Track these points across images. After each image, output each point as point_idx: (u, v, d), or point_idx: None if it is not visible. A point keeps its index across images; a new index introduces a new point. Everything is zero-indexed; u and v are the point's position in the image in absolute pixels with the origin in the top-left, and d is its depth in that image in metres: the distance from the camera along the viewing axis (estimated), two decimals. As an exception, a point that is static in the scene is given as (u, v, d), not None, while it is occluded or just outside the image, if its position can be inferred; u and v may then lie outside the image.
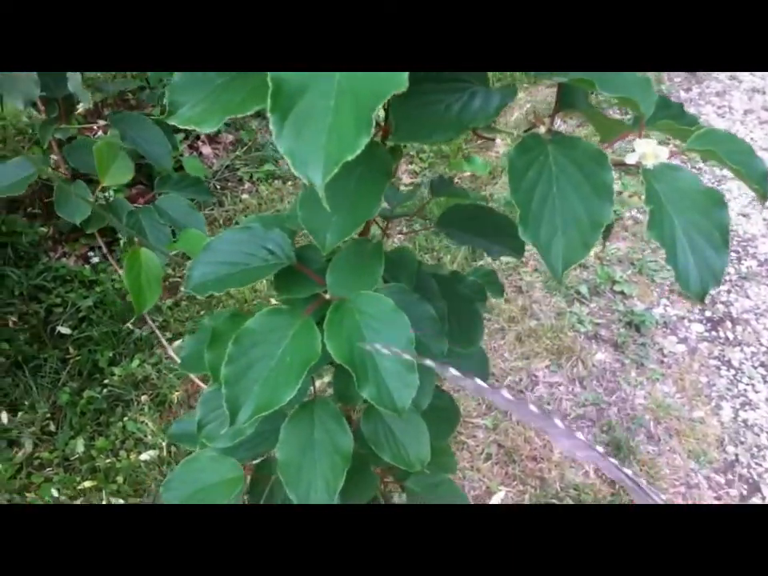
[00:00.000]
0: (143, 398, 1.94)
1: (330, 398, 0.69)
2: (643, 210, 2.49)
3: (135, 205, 0.99)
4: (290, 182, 2.67)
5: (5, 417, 1.87)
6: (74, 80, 0.95)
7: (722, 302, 2.25)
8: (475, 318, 0.74)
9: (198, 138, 2.82)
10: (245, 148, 2.80)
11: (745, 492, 1.75)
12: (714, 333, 2.16)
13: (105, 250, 1.17)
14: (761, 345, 2.12)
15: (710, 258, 0.50)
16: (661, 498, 0.31)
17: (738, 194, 2.66)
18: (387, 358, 0.56)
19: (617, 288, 2.27)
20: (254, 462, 0.81)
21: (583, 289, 2.25)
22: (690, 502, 1.73)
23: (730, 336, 2.15)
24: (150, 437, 1.84)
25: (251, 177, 2.71)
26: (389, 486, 0.93)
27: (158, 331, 1.36)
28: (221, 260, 0.64)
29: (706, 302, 2.25)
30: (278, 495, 0.74)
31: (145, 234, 0.94)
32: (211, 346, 0.64)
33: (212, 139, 2.86)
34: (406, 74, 0.35)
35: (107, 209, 0.99)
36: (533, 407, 0.32)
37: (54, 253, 2.32)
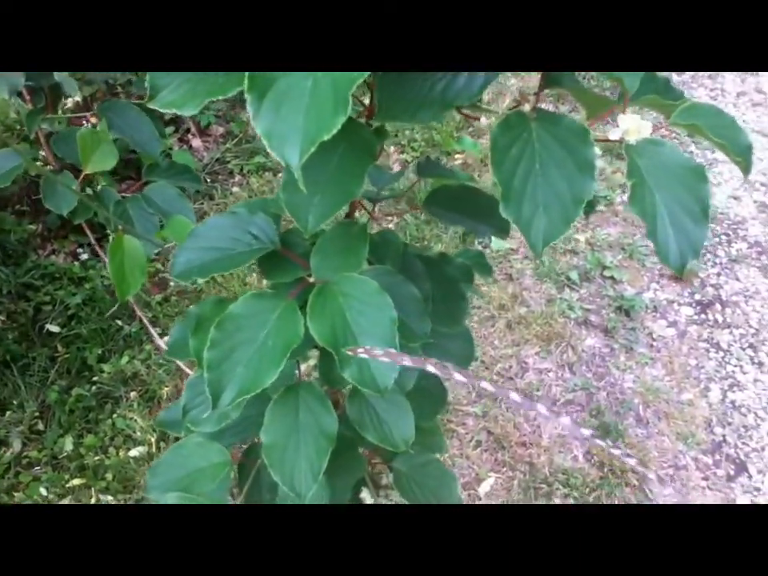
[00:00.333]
0: (132, 394, 1.93)
1: (315, 381, 0.69)
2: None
3: (123, 194, 0.99)
4: (280, 174, 2.65)
5: (-7, 416, 1.87)
6: (61, 70, 0.94)
7: (712, 285, 2.26)
8: (460, 299, 0.74)
9: (188, 131, 2.80)
10: (235, 140, 2.79)
11: (732, 472, 1.77)
12: (703, 316, 2.17)
13: (95, 245, 1.16)
14: (750, 326, 2.13)
15: (690, 231, 0.50)
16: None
17: (728, 176, 2.67)
18: (369, 337, 0.56)
19: (607, 273, 2.28)
20: (243, 446, 0.81)
21: (573, 275, 2.26)
22: (678, 483, 1.74)
23: (719, 318, 2.16)
24: (139, 433, 1.84)
25: (242, 169, 2.70)
26: (377, 466, 0.93)
27: (148, 324, 1.35)
28: (206, 246, 0.63)
29: (696, 284, 2.26)
30: (264, 479, 0.74)
31: (132, 223, 0.93)
32: (196, 332, 0.64)
33: (202, 132, 2.85)
34: (381, 51, 0.34)
35: (95, 199, 0.98)
36: (514, 395, 0.32)
37: (42, 250, 2.30)
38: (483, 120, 0.70)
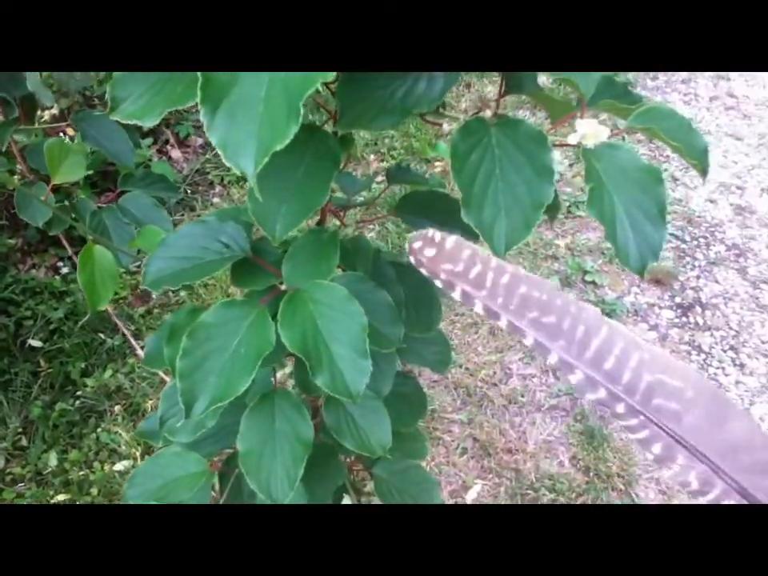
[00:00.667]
0: (116, 408, 1.92)
1: (291, 389, 0.70)
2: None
3: (98, 204, 0.99)
4: (260, 186, 2.66)
5: (-25, 433, 1.85)
6: (33, 79, 0.94)
7: (692, 288, 2.28)
8: (434, 305, 0.75)
9: (167, 142, 2.80)
10: (215, 151, 2.77)
11: (716, 473, 1.78)
12: (684, 319, 2.19)
13: (75, 258, 1.16)
14: (730, 328, 2.15)
15: (648, 233, 0.51)
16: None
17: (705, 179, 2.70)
18: (340, 343, 0.57)
19: (588, 278, 2.30)
20: (224, 455, 0.82)
21: (554, 280, 2.28)
22: (662, 487, 1.75)
23: (700, 321, 2.18)
24: (123, 447, 1.83)
25: (222, 180, 2.70)
26: (359, 473, 0.94)
27: (130, 337, 1.35)
28: (176, 255, 0.64)
29: (676, 287, 2.28)
30: (244, 486, 0.74)
31: (108, 233, 0.93)
32: (169, 341, 0.64)
33: (181, 143, 2.85)
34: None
35: (71, 210, 0.99)
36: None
37: (23, 265, 2.29)
38: (445, 126, 0.71)
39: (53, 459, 1.80)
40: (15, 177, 1.19)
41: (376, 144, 2.81)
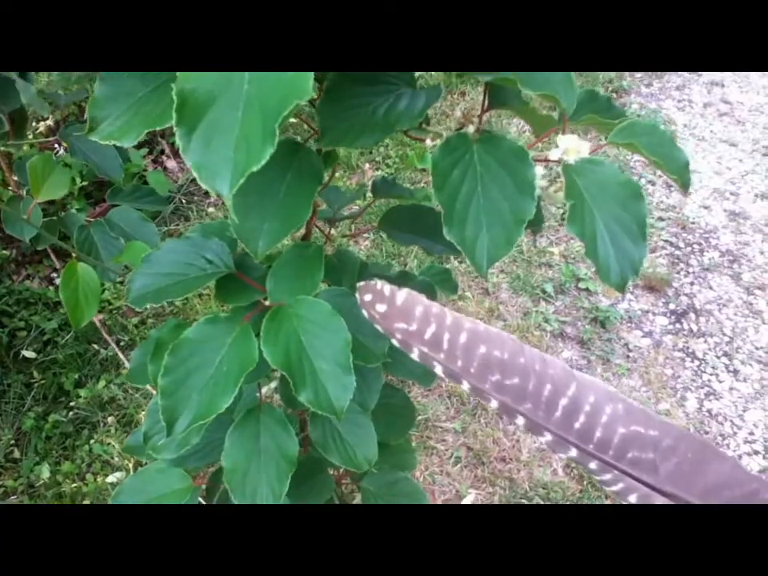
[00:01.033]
0: (110, 419, 1.92)
1: (275, 406, 0.69)
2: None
3: (88, 219, 0.99)
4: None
5: (-32, 445, 1.84)
6: (28, 91, 0.94)
7: (686, 294, 2.28)
8: (420, 318, 0.74)
9: (162, 152, 2.81)
10: (209, 162, 2.78)
11: (712, 481, 1.78)
12: (678, 325, 2.19)
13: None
14: (724, 335, 2.15)
15: (629, 249, 0.51)
16: None
17: (699, 186, 2.71)
18: (324, 359, 0.57)
19: (581, 285, 2.30)
20: (211, 470, 0.81)
21: (549, 288, 2.28)
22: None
23: (694, 327, 2.18)
24: (117, 458, 1.82)
25: (216, 190, 2.70)
26: (348, 486, 0.93)
27: (118, 350, 1.34)
28: (160, 271, 0.64)
29: (669, 294, 2.29)
30: (228, 501, 0.74)
31: (97, 247, 0.93)
32: (154, 357, 0.64)
33: (177, 153, 2.85)
34: (309, 84, 0.35)
35: (59, 223, 0.98)
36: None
37: (16, 276, 2.29)
38: (428, 142, 0.71)
39: (45, 471, 1.79)
40: (9, 189, 1.19)
41: (371, 153, 2.82)
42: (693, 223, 2.55)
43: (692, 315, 2.22)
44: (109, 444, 1.85)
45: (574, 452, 0.31)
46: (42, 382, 1.98)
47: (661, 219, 2.58)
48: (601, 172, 0.52)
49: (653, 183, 2.76)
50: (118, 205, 1.00)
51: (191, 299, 2.21)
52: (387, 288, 0.31)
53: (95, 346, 2.08)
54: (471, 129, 0.57)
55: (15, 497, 1.75)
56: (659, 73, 3.46)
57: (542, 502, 1.73)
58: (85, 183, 2.30)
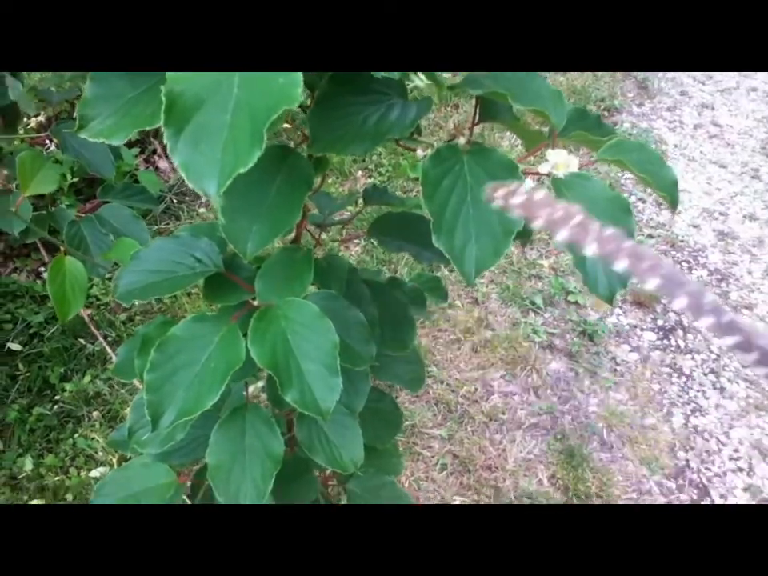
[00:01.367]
0: (95, 414, 1.91)
1: (261, 405, 0.70)
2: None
3: (78, 214, 0.99)
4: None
5: (-49, 436, 1.83)
6: (16, 89, 0.94)
7: (674, 311, 2.30)
8: (408, 323, 0.75)
9: (154, 152, 2.80)
10: (203, 162, 2.79)
11: (695, 496, 1.79)
12: (665, 341, 2.21)
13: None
14: (711, 352, 2.17)
15: (616, 262, 0.52)
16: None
17: (688, 205, 2.73)
18: (311, 360, 0.57)
19: (571, 298, 2.31)
20: (195, 467, 0.82)
21: (538, 299, 2.29)
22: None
23: (682, 344, 2.20)
24: (101, 453, 1.81)
25: (209, 190, 2.70)
26: (333, 488, 0.94)
27: (105, 345, 1.34)
28: (148, 268, 0.64)
29: (658, 310, 2.30)
30: (213, 499, 0.74)
31: (86, 243, 0.93)
32: (141, 353, 0.64)
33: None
34: (298, 90, 0.36)
35: (48, 218, 0.98)
36: None
37: (4, 268, 2.28)
38: (419, 152, 0.72)
39: (28, 464, 1.78)
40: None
41: (364, 161, 2.82)
42: (682, 241, 2.57)
43: (680, 332, 2.23)
44: (93, 439, 1.84)
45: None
46: (27, 374, 1.97)
47: (650, 237, 2.60)
48: (590, 186, 0.53)
49: (643, 201, 2.78)
50: (108, 202, 1.00)
51: (180, 297, 2.21)
52: (524, 187, 0.30)
53: (82, 341, 2.08)
54: (462, 140, 0.58)
55: (-4, 489, 1.74)
56: (650, 93, 3.50)
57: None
58: (75, 180, 2.30)
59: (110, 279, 2.20)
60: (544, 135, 0.59)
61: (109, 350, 1.31)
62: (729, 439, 1.92)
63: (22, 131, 1.03)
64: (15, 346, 2.02)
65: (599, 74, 3.53)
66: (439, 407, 1.99)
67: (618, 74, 3.61)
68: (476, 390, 2.03)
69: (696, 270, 2.46)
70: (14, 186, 1.02)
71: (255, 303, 0.64)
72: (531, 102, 0.52)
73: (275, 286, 0.64)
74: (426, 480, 1.81)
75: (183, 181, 2.13)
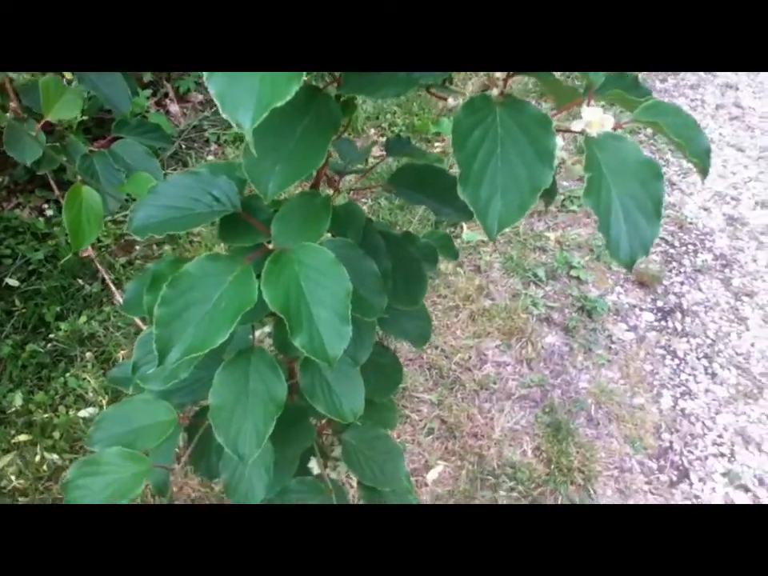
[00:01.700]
0: (88, 354, 1.91)
1: (267, 349, 0.69)
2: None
3: (90, 149, 0.97)
4: (255, 147, 2.64)
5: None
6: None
7: (675, 293, 2.30)
8: (420, 279, 0.74)
9: (166, 95, 2.76)
10: (214, 108, 2.75)
11: (674, 478, 1.81)
12: (663, 323, 2.21)
13: (62, 201, 1.14)
14: (707, 337, 2.18)
15: (641, 227, 0.51)
16: None
17: (700, 187, 2.71)
18: (323, 306, 0.56)
19: (573, 273, 2.31)
20: (195, 408, 0.82)
21: (540, 272, 2.29)
22: (621, 486, 1.78)
23: (679, 327, 2.20)
24: (91, 393, 1.82)
25: (218, 138, 2.67)
26: (328, 438, 0.94)
27: (111, 283, 1.33)
28: (165, 203, 0.63)
29: (659, 291, 2.30)
30: (211, 440, 0.74)
31: (98, 177, 0.92)
32: (150, 289, 0.63)
33: (181, 98, 2.81)
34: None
35: (61, 151, 0.96)
36: None
37: (7, 203, 2.26)
38: (450, 101, 0.70)
39: (18, 399, 1.79)
40: (8, 114, 1.17)
41: (377, 118, 2.79)
42: (690, 224, 2.56)
43: (678, 314, 2.24)
44: (84, 379, 1.85)
45: None
46: (23, 311, 1.97)
47: (662, 208, 2.59)
48: (622, 148, 0.52)
49: (655, 179, 2.76)
50: (122, 138, 0.98)
51: (182, 243, 2.19)
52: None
53: (80, 281, 2.07)
54: (495, 92, 0.57)
55: (-15, 422, 1.75)
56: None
57: (508, 482, 1.75)
58: (85, 118, 2.26)
59: (112, 221, 2.19)
60: (578, 92, 0.58)
61: (114, 289, 1.30)
62: (714, 424, 1.94)
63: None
64: (13, 282, 2.01)
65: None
66: (431, 372, 2.00)
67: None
68: (470, 357, 2.04)
69: (702, 253, 2.45)
70: (26, 116, 1.00)
71: (270, 247, 0.63)
72: (570, 57, 0.51)
73: (291, 230, 0.63)
74: (412, 443, 1.83)
75: (194, 127, 2.10)
